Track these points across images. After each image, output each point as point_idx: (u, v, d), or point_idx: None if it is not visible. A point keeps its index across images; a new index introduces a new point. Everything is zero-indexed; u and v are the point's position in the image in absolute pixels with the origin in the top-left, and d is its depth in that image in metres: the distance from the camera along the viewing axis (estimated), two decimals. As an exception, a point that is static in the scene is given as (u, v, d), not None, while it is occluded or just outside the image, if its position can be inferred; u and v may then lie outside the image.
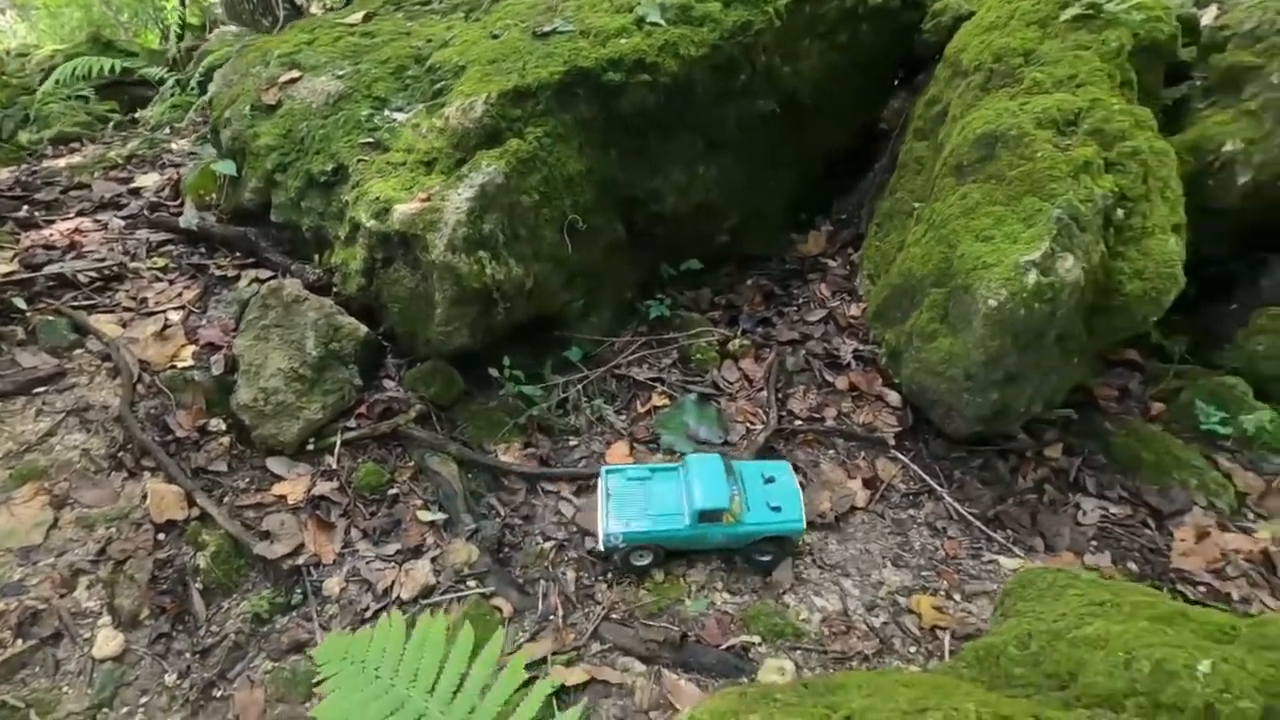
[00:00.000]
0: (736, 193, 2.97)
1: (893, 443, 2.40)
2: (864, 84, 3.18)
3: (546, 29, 2.40)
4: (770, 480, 1.94)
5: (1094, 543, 2.21)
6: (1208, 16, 2.93)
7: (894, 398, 2.50)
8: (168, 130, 4.17)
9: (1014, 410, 2.19)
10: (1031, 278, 1.89)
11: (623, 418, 2.36)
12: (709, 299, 2.95)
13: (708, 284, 3.04)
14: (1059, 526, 2.24)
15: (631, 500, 1.83)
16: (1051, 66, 2.34)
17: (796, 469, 2.29)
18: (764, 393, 2.48)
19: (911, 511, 2.23)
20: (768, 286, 3.01)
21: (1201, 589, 2.09)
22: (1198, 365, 2.92)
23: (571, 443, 2.26)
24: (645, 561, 1.84)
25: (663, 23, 2.39)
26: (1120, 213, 2.08)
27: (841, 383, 2.55)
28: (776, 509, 1.85)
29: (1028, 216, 2.06)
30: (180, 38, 6.01)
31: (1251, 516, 2.31)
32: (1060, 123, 2.19)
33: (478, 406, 2.25)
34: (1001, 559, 2.11)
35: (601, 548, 1.79)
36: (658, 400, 2.41)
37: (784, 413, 2.45)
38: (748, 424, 2.37)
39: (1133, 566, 2.14)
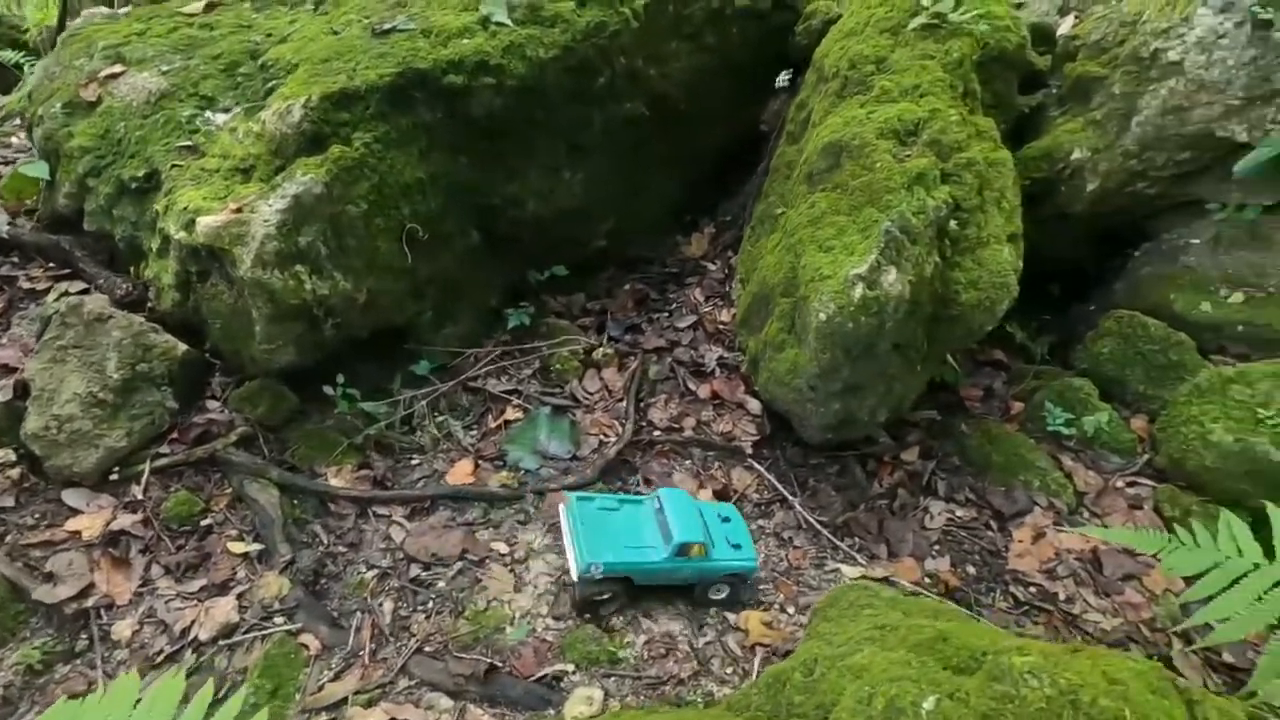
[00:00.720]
0: (610, 196, 2.92)
1: (750, 452, 2.39)
2: (740, 85, 3.17)
3: (387, 26, 2.28)
4: (726, 520, 1.97)
5: (936, 547, 2.25)
6: (1064, 26, 3.00)
7: (754, 406, 2.50)
8: (17, 122, 3.86)
9: (858, 419, 2.21)
10: (858, 291, 1.89)
11: (473, 433, 2.29)
12: (582, 305, 2.89)
13: (584, 289, 2.99)
14: (904, 531, 2.27)
15: (602, 531, 1.78)
16: (899, 75, 2.35)
17: (649, 482, 2.27)
18: (623, 403, 2.44)
19: (762, 522, 2.23)
20: (643, 291, 2.98)
21: (1033, 590, 2.15)
22: (1056, 365, 3.03)
23: (414, 461, 2.17)
24: (606, 597, 1.77)
25: (509, 23, 2.30)
26: (954, 224, 2.10)
27: (704, 391, 2.54)
28: (737, 546, 1.88)
29: (865, 228, 2.06)
30: (62, 19, 5.57)
31: (1087, 515, 2.40)
32: (902, 133, 2.20)
33: (312, 426, 2.14)
34: (844, 568, 2.13)
35: (575, 577, 1.72)
36: (511, 414, 2.34)
37: (643, 423, 2.42)
38: (602, 436, 2.32)
39: (971, 570, 2.19)
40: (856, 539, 2.25)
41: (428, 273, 2.34)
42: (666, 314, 2.84)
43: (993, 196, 2.21)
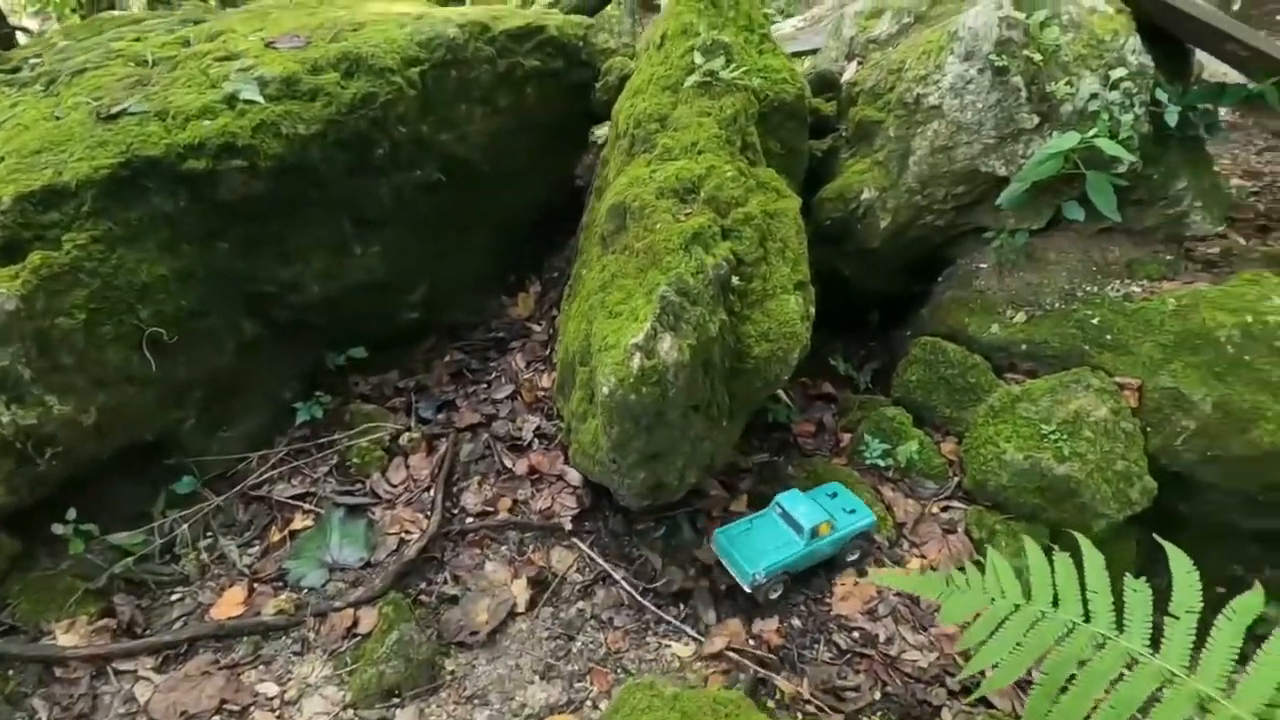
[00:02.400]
0: (416, 265, 2.77)
1: (570, 527, 2.28)
2: (549, 142, 3.12)
3: (115, 110, 2.06)
4: (834, 495, 2.32)
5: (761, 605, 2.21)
6: (848, 73, 3.17)
7: (574, 476, 2.40)
8: None
9: (668, 484, 2.15)
10: (636, 362, 1.84)
11: (251, 552, 2.05)
12: (394, 384, 2.70)
13: (398, 364, 2.81)
14: (734, 591, 2.22)
15: (748, 546, 2.13)
16: (680, 132, 2.36)
17: (456, 579, 2.10)
18: (431, 492, 2.27)
19: (581, 605, 2.11)
20: (462, 362, 2.83)
21: (855, 635, 2.14)
22: (879, 393, 3.13)
23: (174, 597, 1.91)
24: (778, 593, 2.16)
25: (261, 99, 2.13)
26: (737, 279, 2.10)
27: (521, 466, 2.41)
28: (852, 512, 2.25)
29: (649, 291, 2.02)
30: None
31: (906, 545, 2.45)
32: (682, 191, 2.20)
33: (40, 574, 1.84)
34: (672, 644, 2.05)
35: (748, 588, 2.07)
36: (300, 522, 2.12)
37: (454, 511, 2.26)
38: (404, 534, 2.14)
39: (796, 623, 2.16)
40: (685, 607, 2.17)
41: (188, 376, 2.10)
42: (485, 385, 2.71)
43: (776, 248, 2.24)
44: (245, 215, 2.17)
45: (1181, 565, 1.46)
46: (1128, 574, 1.52)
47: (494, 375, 2.75)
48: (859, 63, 3.17)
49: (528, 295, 3.17)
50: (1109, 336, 2.53)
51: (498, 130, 2.81)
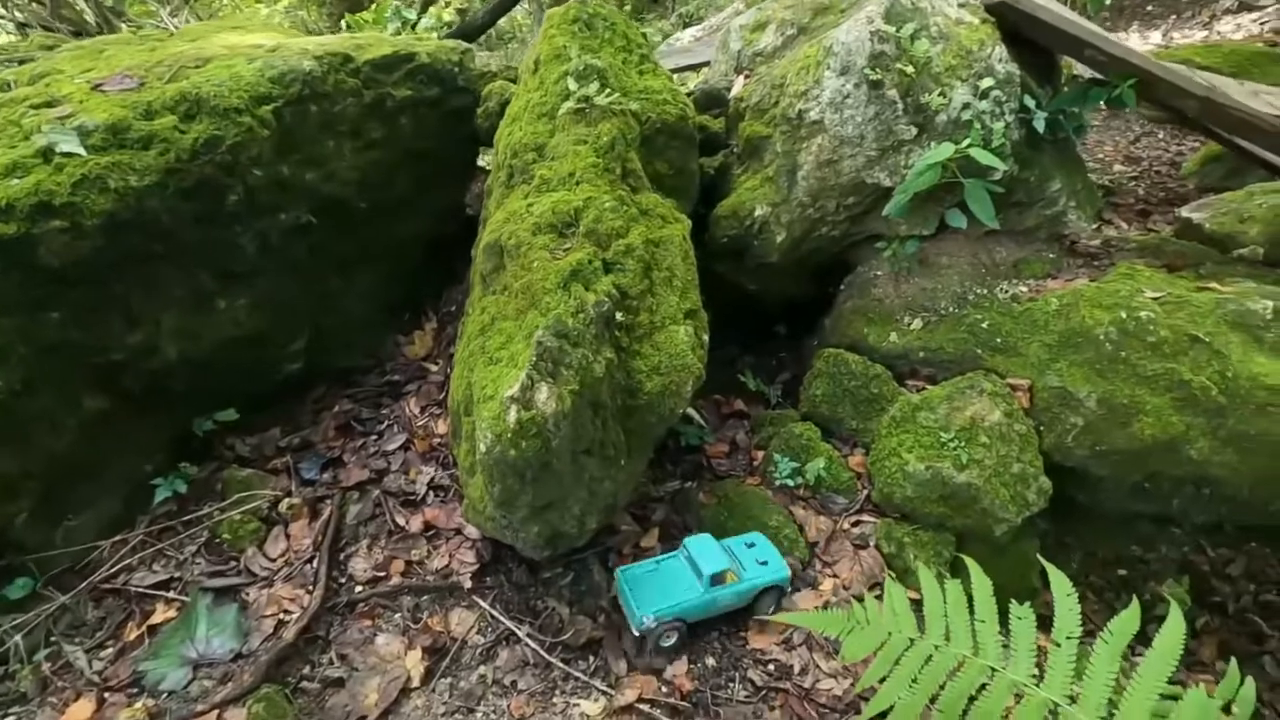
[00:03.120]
0: (296, 312, 2.59)
1: (470, 585, 2.16)
2: (434, 171, 2.98)
3: (-94, 172, 1.81)
4: (751, 545, 2.22)
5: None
6: (735, 88, 3.15)
7: (473, 530, 2.27)
8: None
9: (567, 533, 2.05)
10: (513, 415, 1.74)
11: (105, 654, 1.84)
12: (276, 443, 2.51)
13: (283, 421, 2.62)
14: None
15: (647, 588, 2.05)
16: (557, 162, 2.27)
17: (343, 658, 1.95)
18: (314, 563, 2.10)
19: (483, 670, 1.99)
20: (352, 412, 2.66)
21: (770, 668, 2.10)
22: (790, 406, 3.12)
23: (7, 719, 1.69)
24: (672, 641, 2.05)
25: (82, 151, 1.93)
26: (621, 315, 2.03)
27: (415, 523, 2.27)
28: (764, 563, 2.15)
29: (528, 335, 1.92)
30: None
31: (819, 566, 2.42)
32: (560, 226, 2.11)
33: None
34: (581, 702, 1.95)
35: (636, 633, 2.00)
36: (162, 614, 1.93)
37: (341, 581, 2.10)
38: (282, 614, 1.97)
39: (710, 662, 2.10)
40: (595, 658, 2.08)
41: (19, 466, 1.87)
42: (376, 436, 2.55)
43: (662, 277, 2.17)
44: (77, 279, 1.96)
45: (1062, 589, 1.46)
46: (1013, 601, 1.52)
47: (386, 424, 2.59)
48: (746, 77, 3.16)
49: (424, 333, 3.02)
50: (999, 339, 2.58)
51: (372, 164, 2.65)
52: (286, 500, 2.23)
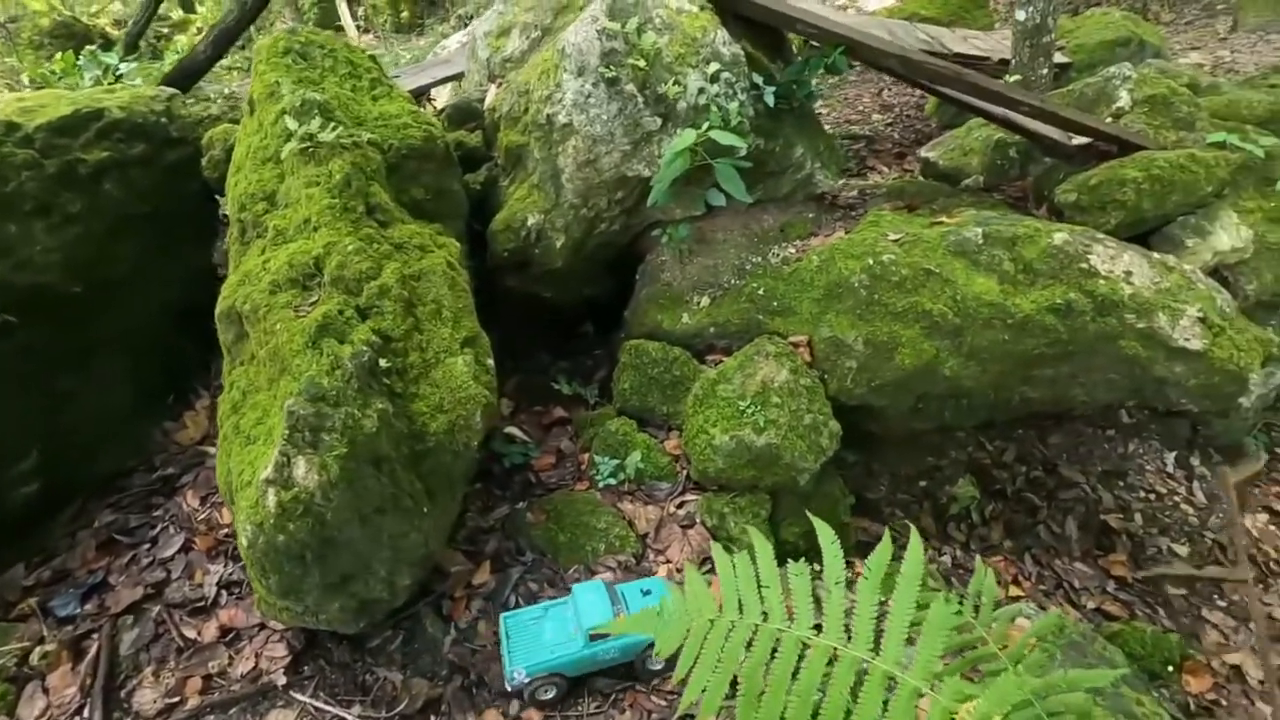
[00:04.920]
0: (19, 426, 2.23)
1: (285, 681, 1.97)
2: (167, 235, 2.66)
3: None
4: (647, 593, 2.04)
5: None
6: (489, 98, 3.09)
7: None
8: None
9: (379, 598, 1.94)
10: (272, 499, 1.60)
11: None
12: (19, 584, 2.15)
13: (29, 553, 2.24)
14: (489, 679, 2.08)
15: (527, 637, 1.96)
16: (290, 210, 2.11)
17: (138, 810, 1.72)
18: (85, 711, 1.83)
19: (312, 769, 1.84)
20: (116, 524, 2.34)
21: (620, 670, 2.13)
22: (607, 403, 3.16)
23: None
24: (550, 695, 1.95)
25: None
26: (386, 361, 1.92)
27: (210, 631, 2.04)
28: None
29: (284, 405, 1.77)
30: None
31: (653, 556, 2.49)
32: (301, 279, 1.96)
33: None
34: (423, 769, 1.86)
35: (509, 688, 1.89)
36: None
37: (127, 722, 1.84)
38: (50, 786, 1.70)
39: (559, 679, 2.09)
40: (437, 718, 1.99)
41: None
42: (148, 544, 2.26)
43: (428, 311, 2.09)
44: None
45: (826, 536, 1.58)
46: (790, 560, 1.62)
47: (160, 528, 2.30)
48: (498, 85, 3.11)
49: (195, 413, 2.71)
50: (775, 302, 2.75)
51: (76, 241, 2.32)
52: (38, 649, 1.91)
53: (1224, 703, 2.51)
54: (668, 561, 2.41)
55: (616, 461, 2.65)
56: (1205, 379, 2.39)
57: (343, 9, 10.03)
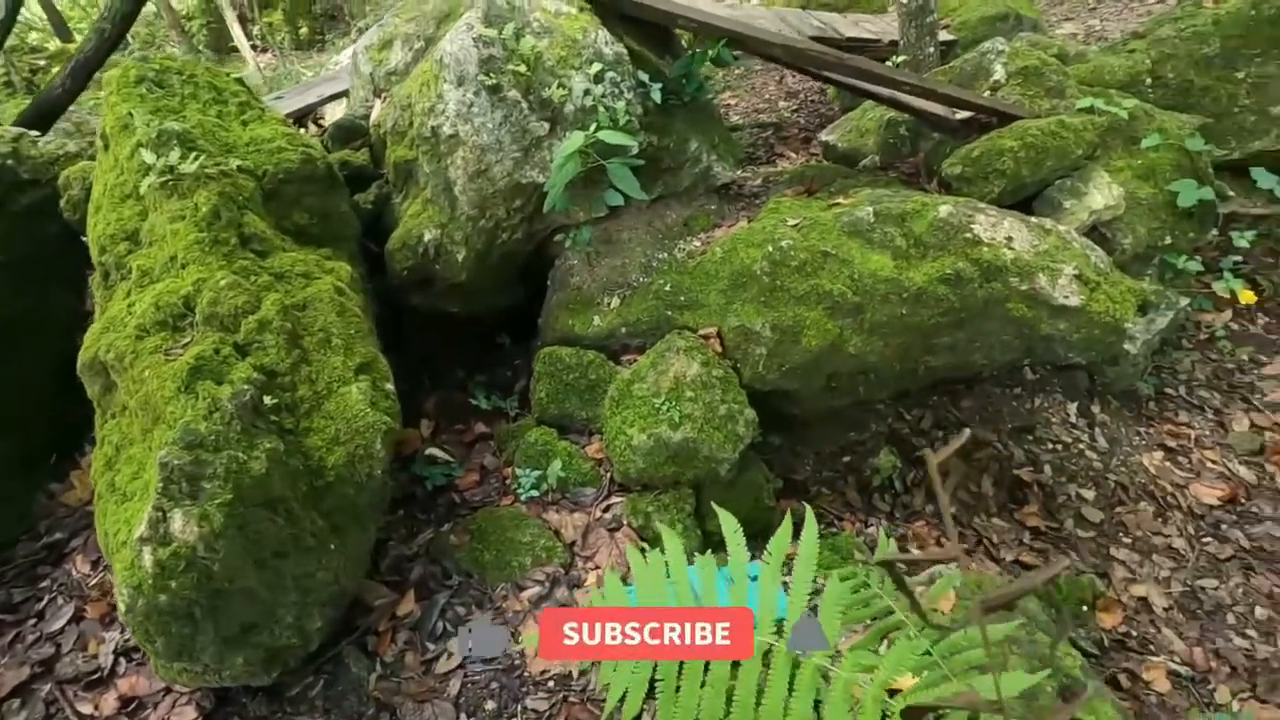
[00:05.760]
0: None
1: (197, 743, 1.88)
2: (37, 282, 2.48)
3: None
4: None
5: (459, 704, 2.06)
6: (374, 113, 3.00)
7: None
8: None
9: (289, 645, 1.86)
10: (148, 559, 1.50)
11: None
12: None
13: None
14: (417, 713, 2.03)
15: None
16: (155, 248, 1.99)
17: None
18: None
19: (232, 833, 1.75)
20: (-3, 603, 2.17)
21: (552, 683, 2.11)
22: (528, 416, 3.11)
23: None
24: None
25: None
26: (271, 398, 1.84)
27: (109, 703, 1.91)
28: None
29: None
30: None
31: (582, 563, 2.47)
32: (171, 321, 1.85)
33: None
34: (354, 811, 1.80)
35: None
36: None
37: (19, 814, 1.71)
38: None
39: (490, 705, 2.05)
40: (364, 759, 1.93)
41: None
42: (34, 619, 2.10)
43: (316, 341, 2.01)
44: None
45: (729, 527, 1.59)
46: (698, 556, 1.63)
47: (48, 599, 2.15)
48: (382, 100, 3.02)
49: (83, 471, 2.54)
50: (683, 297, 2.77)
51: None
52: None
53: (1134, 633, 2.66)
54: (596, 567, 2.40)
55: (538, 472, 2.62)
56: (1086, 332, 2.52)
57: (235, 29, 9.59)
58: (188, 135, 2.10)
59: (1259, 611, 2.70)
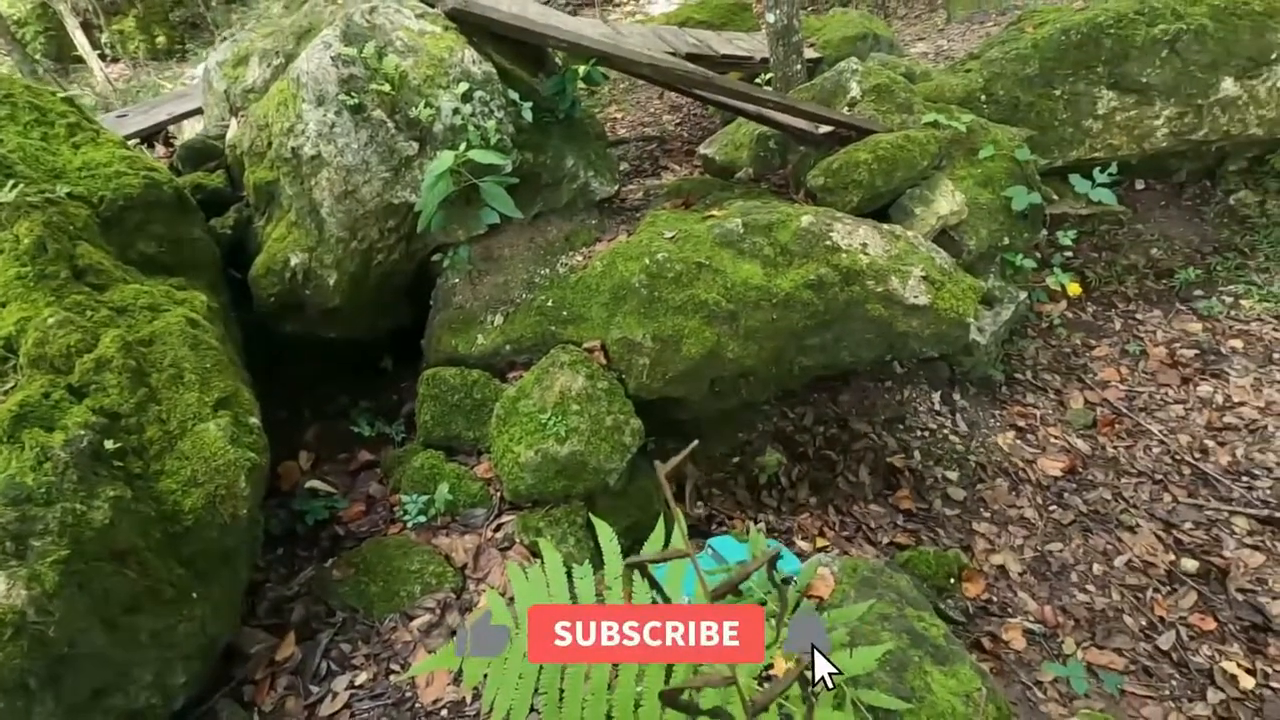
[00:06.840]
0: None
1: (44, 828, 1.70)
2: None
3: None
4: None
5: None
6: (230, 132, 2.85)
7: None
8: None
9: (150, 705, 1.73)
10: (-36, 629, 1.37)
11: None
12: None
13: None
14: (300, 754, 1.94)
15: None
16: (-32, 286, 1.81)
17: None
18: None
19: None
20: None
21: (445, 712, 2.07)
22: (414, 439, 3.04)
23: None
24: None
25: None
26: (113, 442, 1.71)
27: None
28: None
29: (-23, 514, 1.52)
30: None
31: (475, 585, 2.44)
32: (-10, 364, 1.69)
33: None
34: None
35: None
36: None
37: None
38: None
39: (380, 745, 2.00)
40: (244, 814, 1.82)
41: None
42: None
43: (166, 378, 1.89)
44: None
45: (605, 535, 1.64)
46: (575, 565, 1.66)
47: None
48: (239, 119, 2.88)
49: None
50: (565, 312, 2.80)
51: None
52: None
53: (994, 599, 2.93)
54: (490, 588, 2.38)
55: (426, 497, 2.56)
56: (935, 328, 2.76)
57: (78, 36, 8.77)
58: (5, 161, 1.93)
59: (1096, 568, 3.03)
